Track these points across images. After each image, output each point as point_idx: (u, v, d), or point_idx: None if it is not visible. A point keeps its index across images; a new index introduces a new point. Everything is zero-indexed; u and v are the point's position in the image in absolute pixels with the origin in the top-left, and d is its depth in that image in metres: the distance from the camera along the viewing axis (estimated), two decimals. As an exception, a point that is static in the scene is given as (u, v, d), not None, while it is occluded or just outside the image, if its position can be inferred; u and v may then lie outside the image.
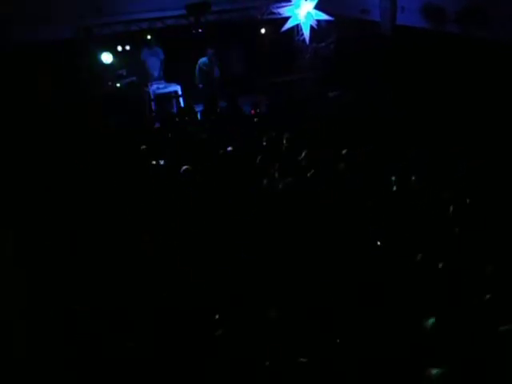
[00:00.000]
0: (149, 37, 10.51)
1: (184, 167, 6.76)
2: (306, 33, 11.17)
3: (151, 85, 11.07)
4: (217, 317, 4.04)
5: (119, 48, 10.53)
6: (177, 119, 10.08)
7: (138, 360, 3.77)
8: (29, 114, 8.41)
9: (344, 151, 6.92)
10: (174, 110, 11.01)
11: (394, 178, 5.95)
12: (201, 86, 11.14)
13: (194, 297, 4.30)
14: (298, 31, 11.57)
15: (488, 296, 3.80)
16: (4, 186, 5.72)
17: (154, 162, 7.50)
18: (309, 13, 10.89)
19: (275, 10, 11.07)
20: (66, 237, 5.24)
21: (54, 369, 3.59)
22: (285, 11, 11.07)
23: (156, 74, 11.26)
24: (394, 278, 4.26)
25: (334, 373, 3.51)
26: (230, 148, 7.52)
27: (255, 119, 10.14)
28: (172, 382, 3.69)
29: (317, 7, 10.83)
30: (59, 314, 3.95)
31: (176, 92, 11.17)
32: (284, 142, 7.70)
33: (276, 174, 6.47)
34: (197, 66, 11.09)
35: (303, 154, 7.09)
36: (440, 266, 4.33)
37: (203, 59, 11.02)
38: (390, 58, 9.77)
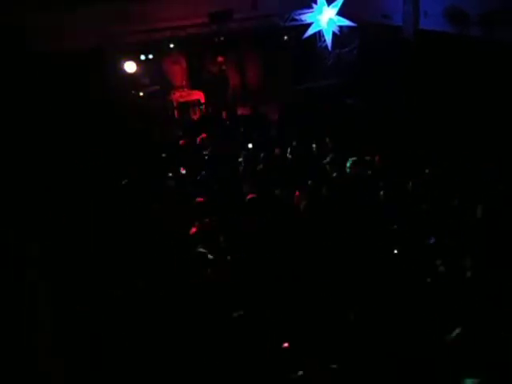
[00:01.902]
0: (171, 45, 10.61)
1: (202, 173, 6.83)
2: (329, 39, 11.12)
3: (174, 93, 11.18)
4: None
5: (142, 57, 10.65)
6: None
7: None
8: (53, 121, 8.58)
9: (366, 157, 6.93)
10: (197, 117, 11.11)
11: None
12: None
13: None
14: (320, 37, 11.54)
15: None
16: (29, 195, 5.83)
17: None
18: (331, 19, 10.85)
19: (297, 17, 11.06)
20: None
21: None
22: (307, 18, 11.06)
23: (179, 82, 11.37)
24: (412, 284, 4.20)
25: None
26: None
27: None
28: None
29: (339, 13, 10.79)
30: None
31: (199, 100, 11.26)
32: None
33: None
34: None
35: (328, 159, 7.11)
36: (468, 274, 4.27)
37: None
38: (414, 63, 9.65)
